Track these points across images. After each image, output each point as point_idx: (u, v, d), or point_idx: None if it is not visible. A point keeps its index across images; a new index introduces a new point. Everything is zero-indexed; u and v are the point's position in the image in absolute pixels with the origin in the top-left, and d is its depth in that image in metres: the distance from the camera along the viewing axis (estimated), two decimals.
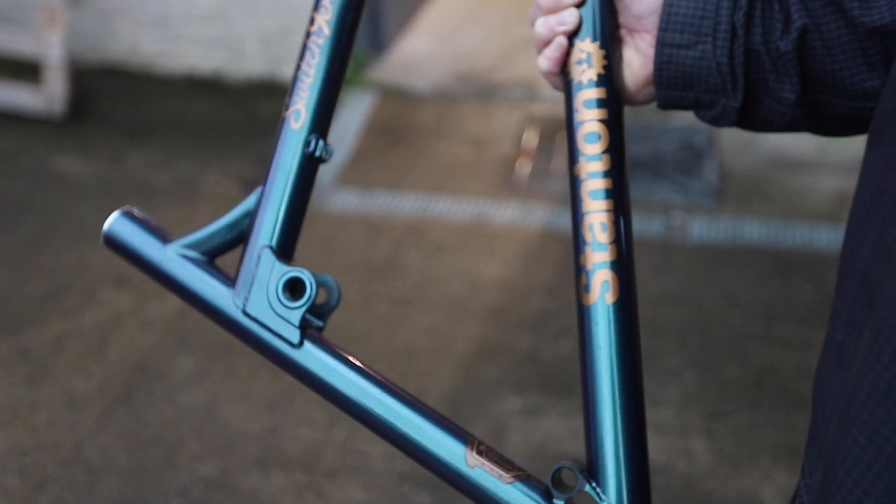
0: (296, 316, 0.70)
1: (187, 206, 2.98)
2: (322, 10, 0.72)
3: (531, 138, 3.29)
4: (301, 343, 0.70)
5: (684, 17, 0.68)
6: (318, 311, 0.73)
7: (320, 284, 0.72)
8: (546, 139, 3.28)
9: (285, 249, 0.73)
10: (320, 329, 0.73)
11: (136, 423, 2.14)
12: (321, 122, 0.73)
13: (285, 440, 2.08)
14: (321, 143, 0.73)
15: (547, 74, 0.71)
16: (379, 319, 2.45)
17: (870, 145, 0.51)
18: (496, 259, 2.70)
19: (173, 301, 2.52)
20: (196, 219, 2.88)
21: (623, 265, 0.64)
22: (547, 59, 0.70)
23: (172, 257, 0.74)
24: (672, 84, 0.70)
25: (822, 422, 0.51)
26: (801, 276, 2.56)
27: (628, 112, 0.72)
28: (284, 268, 0.71)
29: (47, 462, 2.04)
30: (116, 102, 3.65)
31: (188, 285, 0.73)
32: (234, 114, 3.57)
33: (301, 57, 0.73)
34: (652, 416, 0.65)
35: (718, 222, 2.82)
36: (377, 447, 2.05)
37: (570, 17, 0.69)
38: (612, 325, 0.63)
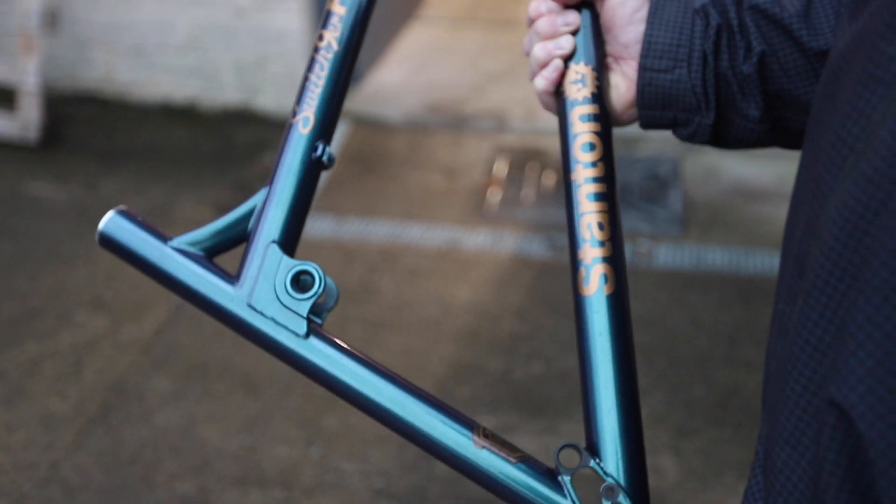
0: (304, 307, 0.71)
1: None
2: (331, 27, 0.77)
3: (501, 168, 3.37)
4: (307, 335, 0.71)
5: (663, 45, 0.77)
6: (316, 310, 0.74)
7: None
8: (515, 169, 3.36)
9: (288, 248, 0.75)
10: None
11: (113, 443, 2.16)
12: (327, 129, 0.77)
13: (263, 458, 2.11)
14: (327, 149, 0.76)
15: (542, 94, 0.79)
16: (354, 341, 2.47)
17: (804, 144, 0.59)
18: (468, 284, 2.76)
19: (149, 323, 2.55)
20: None
21: (617, 261, 0.70)
22: (544, 79, 0.78)
23: (172, 254, 0.74)
24: (653, 105, 0.79)
25: (768, 385, 0.58)
26: (763, 300, 2.65)
27: None
28: (292, 262, 0.73)
29: (24, 481, 2.05)
30: (91, 129, 3.67)
31: (189, 282, 0.74)
32: (209, 141, 3.61)
33: (310, 69, 0.77)
34: None
35: (683, 249, 2.91)
36: (354, 464, 2.08)
37: (566, 42, 0.78)
38: (609, 313, 0.68)
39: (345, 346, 0.72)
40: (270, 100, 3.70)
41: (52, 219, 3.10)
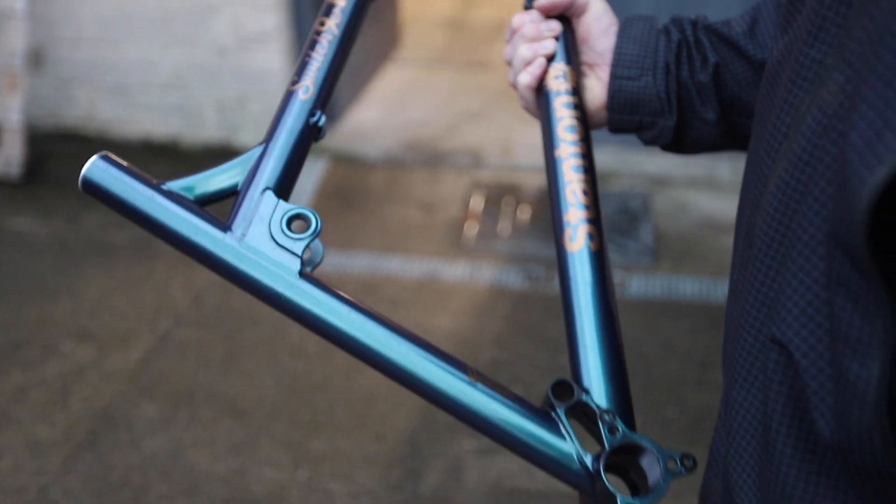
0: (299, 247, 0.70)
1: (145, 264, 3.06)
2: (333, 16, 0.85)
3: (477, 202, 3.47)
4: (301, 274, 0.70)
5: (631, 56, 0.89)
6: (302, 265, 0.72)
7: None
8: (491, 203, 3.46)
9: (282, 197, 0.75)
10: None
11: (101, 468, 2.19)
12: (324, 100, 0.82)
13: (251, 481, 2.15)
14: (323, 118, 0.81)
15: (525, 89, 0.89)
16: (338, 368, 2.55)
17: (751, 138, 0.69)
18: (448, 313, 2.83)
19: (135, 352, 2.59)
20: (154, 276, 2.96)
21: (599, 224, 0.77)
22: (529, 75, 0.88)
23: (159, 197, 0.72)
24: (622, 108, 0.90)
25: (726, 345, 0.66)
26: None
27: None
28: (288, 205, 0.72)
29: None
30: (73, 166, 3.71)
31: (177, 225, 0.71)
32: None
33: (311, 47, 0.83)
34: None
35: (655, 279, 3.00)
36: (341, 485, 2.13)
37: (550, 44, 0.89)
38: (594, 267, 0.74)
39: (337, 291, 0.71)
40: (251, 137, 3.78)
41: (34, 253, 3.14)
